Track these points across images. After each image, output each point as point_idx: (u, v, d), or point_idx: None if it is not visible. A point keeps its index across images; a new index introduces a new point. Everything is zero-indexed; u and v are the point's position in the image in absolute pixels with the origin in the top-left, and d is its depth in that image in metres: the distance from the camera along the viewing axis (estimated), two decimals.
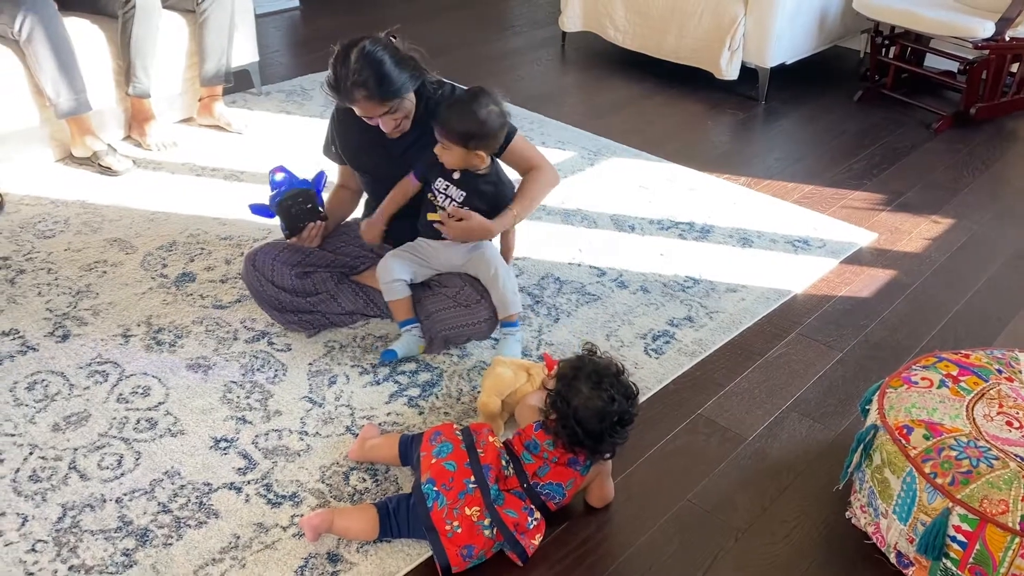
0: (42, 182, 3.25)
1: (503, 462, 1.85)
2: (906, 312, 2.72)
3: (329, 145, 2.52)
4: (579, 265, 2.89)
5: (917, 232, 3.17)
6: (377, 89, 2.14)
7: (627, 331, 2.57)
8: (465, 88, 2.31)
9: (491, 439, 1.88)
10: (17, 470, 2.02)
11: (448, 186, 2.29)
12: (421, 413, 2.23)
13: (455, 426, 1.93)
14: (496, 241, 2.45)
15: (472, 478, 1.79)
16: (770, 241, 3.07)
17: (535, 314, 2.63)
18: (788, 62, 4.30)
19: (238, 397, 2.26)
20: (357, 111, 2.22)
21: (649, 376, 2.39)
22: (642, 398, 2.28)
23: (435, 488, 1.78)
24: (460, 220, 2.26)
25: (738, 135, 3.98)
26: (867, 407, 2.03)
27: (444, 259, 2.40)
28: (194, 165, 3.43)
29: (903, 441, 1.79)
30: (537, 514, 1.83)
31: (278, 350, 2.44)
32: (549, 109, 4.05)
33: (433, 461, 1.83)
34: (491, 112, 2.20)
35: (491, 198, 2.31)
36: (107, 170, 3.32)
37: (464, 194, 2.28)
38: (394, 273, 2.39)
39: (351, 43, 2.17)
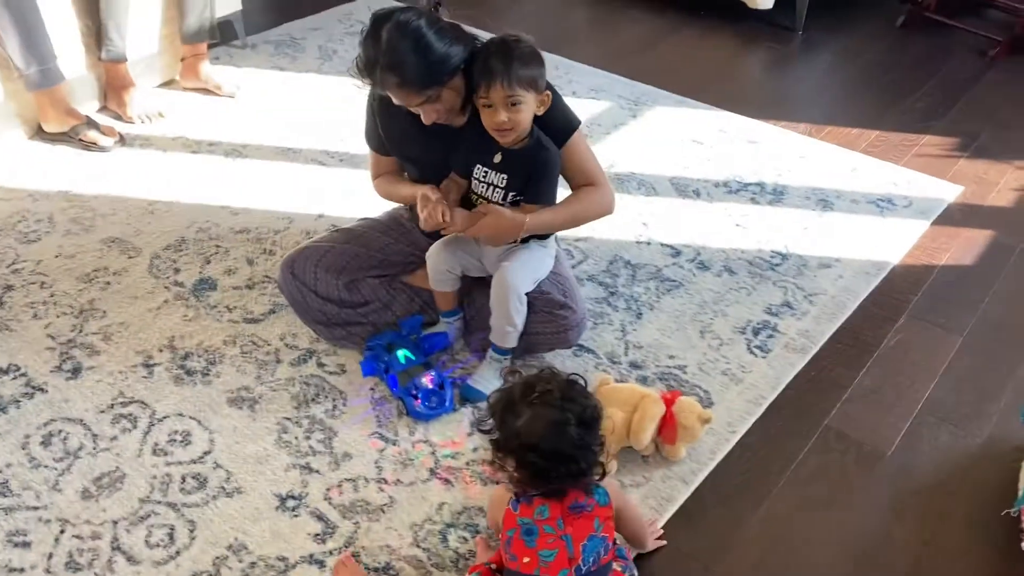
0: (15, 170, 2.79)
1: None
2: (1015, 281, 2.45)
3: (369, 130, 2.10)
4: (648, 243, 2.56)
5: (1004, 183, 2.89)
6: (414, 75, 1.74)
7: (722, 325, 2.27)
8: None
9: None
10: (50, 555, 1.67)
11: (487, 172, 1.91)
12: None
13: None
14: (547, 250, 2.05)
15: None
16: (851, 202, 2.76)
17: (613, 309, 2.31)
18: None
19: (296, 438, 1.92)
20: (393, 99, 1.83)
21: (761, 381, 2.10)
22: (758, 409, 2.01)
23: None
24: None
25: (782, 73, 3.63)
26: None
27: (492, 259, 2.04)
28: (187, 139, 2.99)
29: None
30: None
31: (330, 372, 2.09)
32: (568, 50, 3.63)
33: None
34: (527, 42, 1.81)
35: (539, 166, 1.88)
36: (91, 146, 2.88)
37: (506, 176, 1.90)
38: (444, 263, 2.05)
39: (384, 15, 1.75)
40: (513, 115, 1.79)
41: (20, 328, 2.19)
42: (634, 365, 2.13)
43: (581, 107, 3.03)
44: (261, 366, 2.10)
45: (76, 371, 2.07)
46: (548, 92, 1.84)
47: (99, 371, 2.07)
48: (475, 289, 2.13)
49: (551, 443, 1.39)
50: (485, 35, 1.87)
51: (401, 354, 2.01)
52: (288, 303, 2.16)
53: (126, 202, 2.66)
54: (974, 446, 1.97)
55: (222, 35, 3.42)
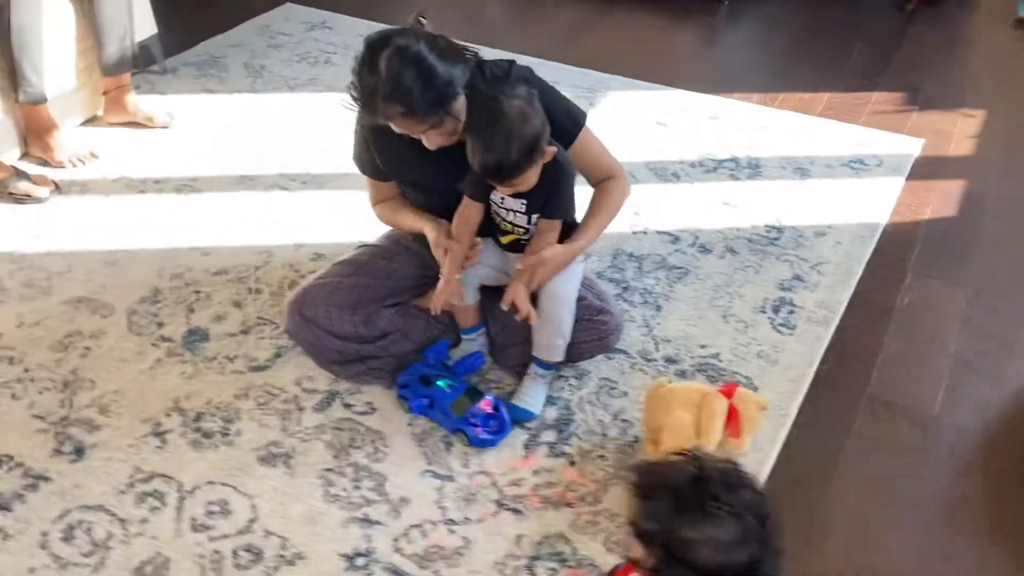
0: None
1: None
2: (1000, 224, 2.54)
3: (362, 156, 1.94)
4: (645, 233, 2.52)
5: (958, 131, 2.99)
6: (419, 103, 1.60)
7: (741, 307, 2.25)
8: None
9: None
10: None
11: (503, 199, 1.82)
12: (574, 463, 1.84)
13: None
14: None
15: None
16: (826, 167, 2.79)
17: (631, 304, 2.25)
18: None
19: (345, 490, 1.79)
20: (395, 128, 1.70)
21: (795, 359, 2.09)
22: (800, 387, 2.01)
23: None
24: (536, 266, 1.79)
25: (718, 44, 3.65)
26: None
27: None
28: (130, 179, 2.76)
29: None
30: None
31: (360, 413, 1.96)
32: (491, 41, 3.52)
33: None
34: (522, 107, 1.65)
35: (555, 182, 1.78)
36: (25, 199, 2.62)
37: (524, 201, 1.81)
38: (469, 280, 1.95)
39: (379, 41, 1.61)
40: (521, 188, 1.73)
41: (1, 415, 1.96)
42: (669, 360, 2.09)
43: None
44: (284, 416, 1.95)
45: (79, 451, 1.87)
46: (552, 147, 1.71)
47: (105, 447, 1.88)
48: (496, 303, 2.02)
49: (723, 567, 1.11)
50: (482, 49, 1.77)
51: (444, 384, 1.90)
52: (300, 348, 2.01)
53: (80, 256, 2.43)
54: (1010, 395, 2.01)
55: (140, 62, 3.17)
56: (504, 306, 1.81)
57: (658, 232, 2.51)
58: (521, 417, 1.92)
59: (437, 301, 1.88)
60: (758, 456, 1.85)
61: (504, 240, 1.90)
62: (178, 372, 2.06)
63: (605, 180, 1.93)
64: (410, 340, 2.04)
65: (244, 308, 2.25)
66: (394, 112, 1.63)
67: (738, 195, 2.67)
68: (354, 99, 1.66)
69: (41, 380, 2.04)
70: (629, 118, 3.06)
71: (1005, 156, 2.84)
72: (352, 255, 2.11)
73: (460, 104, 1.70)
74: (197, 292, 2.30)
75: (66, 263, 2.40)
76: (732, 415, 1.79)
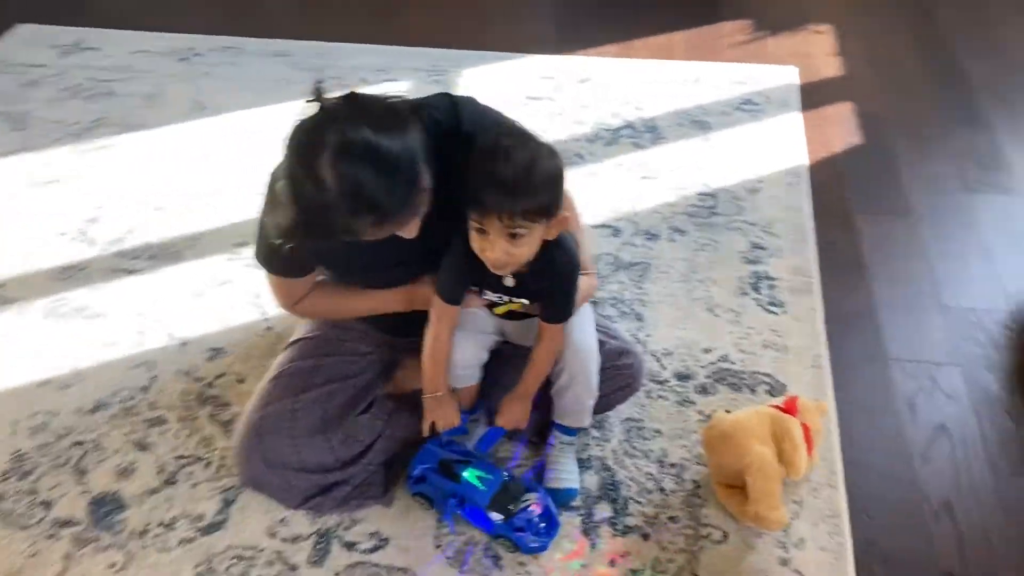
0: None
1: None
2: (906, 141, 2.52)
3: (288, 257, 1.42)
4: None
5: (819, 51, 2.95)
6: (392, 203, 1.20)
7: (720, 293, 2.05)
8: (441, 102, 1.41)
9: None
10: None
11: (501, 296, 1.49)
12: (647, 537, 1.57)
13: None
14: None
15: None
16: (721, 115, 2.64)
17: (610, 321, 1.97)
18: None
19: None
20: (361, 238, 1.25)
21: (802, 341, 1.93)
22: (823, 372, 1.87)
23: None
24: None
25: None
26: None
27: (521, 327, 1.63)
28: None
29: None
30: None
31: (370, 551, 1.56)
32: (297, 29, 3.06)
33: None
34: (538, 144, 1.32)
35: (561, 275, 1.46)
36: None
37: (526, 300, 1.49)
38: (467, 359, 1.60)
39: (307, 144, 1.16)
40: (513, 249, 1.32)
41: None
42: (682, 377, 1.85)
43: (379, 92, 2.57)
44: None
45: None
46: (566, 213, 1.37)
47: None
48: (497, 371, 1.67)
49: None
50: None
51: (472, 476, 1.54)
52: (267, 496, 1.58)
53: None
54: (1006, 322, 1.98)
55: None
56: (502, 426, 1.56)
57: (593, 227, 2.24)
58: (565, 500, 1.62)
59: (427, 424, 1.56)
60: (825, 465, 1.67)
61: (499, 311, 1.55)
62: (104, 566, 1.54)
63: None
64: (397, 440, 1.66)
65: (153, 449, 1.73)
66: (363, 225, 1.20)
67: (651, 164, 2.45)
68: (301, 224, 1.20)
69: None
70: (496, 97, 2.70)
71: (872, 70, 2.83)
72: (288, 367, 1.64)
73: (424, 172, 1.27)
74: (79, 444, 1.75)
75: None
76: (806, 432, 1.60)
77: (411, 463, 1.59)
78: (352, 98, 1.21)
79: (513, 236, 1.30)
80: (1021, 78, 2.78)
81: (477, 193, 1.28)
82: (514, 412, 1.59)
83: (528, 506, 1.52)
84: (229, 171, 2.43)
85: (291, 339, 1.72)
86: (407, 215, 1.25)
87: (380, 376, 1.70)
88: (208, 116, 2.67)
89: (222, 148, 2.52)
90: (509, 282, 1.45)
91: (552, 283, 1.45)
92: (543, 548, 1.54)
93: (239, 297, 2.05)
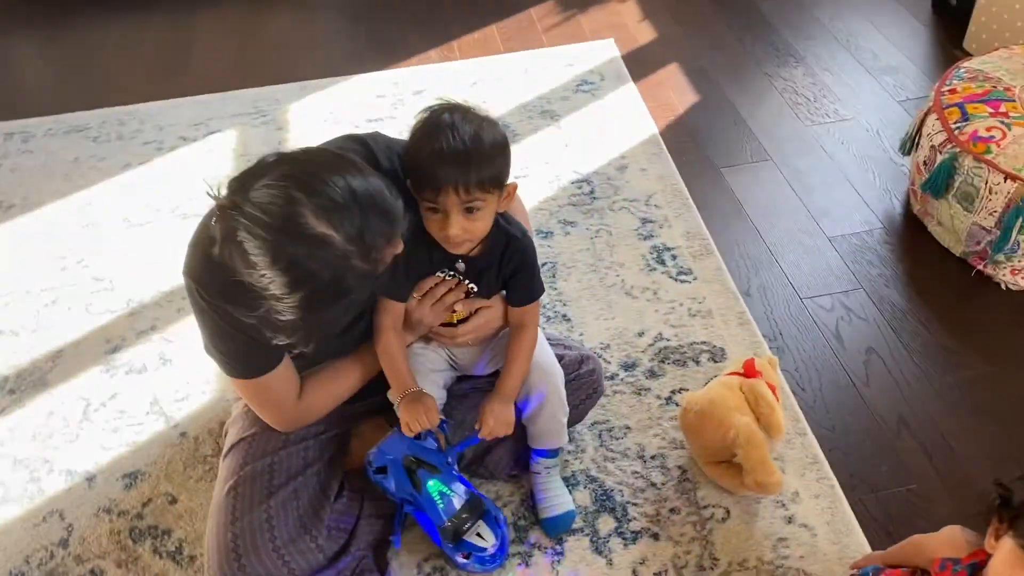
0: None
1: None
2: (738, 92, 2.64)
3: (249, 353, 1.33)
4: None
5: (628, 20, 3.03)
6: (395, 205, 1.17)
7: (630, 274, 2.07)
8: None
9: None
10: None
11: (454, 275, 1.44)
12: (657, 537, 1.56)
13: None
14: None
15: None
16: (563, 100, 2.65)
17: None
18: None
19: None
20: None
21: (723, 302, 1.98)
22: (752, 327, 1.94)
23: None
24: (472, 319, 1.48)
25: (319, 20, 3.22)
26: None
27: (469, 355, 1.57)
28: None
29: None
30: None
31: None
32: (72, 102, 2.76)
33: None
34: (478, 116, 1.33)
35: (515, 258, 1.44)
36: None
37: (476, 287, 1.45)
38: (438, 359, 1.55)
39: (288, 214, 1.07)
40: (469, 224, 1.30)
41: None
42: (627, 367, 1.85)
43: (200, 152, 2.43)
44: None
45: None
46: (514, 181, 1.37)
47: None
48: (458, 409, 1.59)
49: None
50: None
51: (435, 490, 1.45)
52: None
53: None
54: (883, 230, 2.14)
55: None
56: (486, 436, 1.46)
57: None
58: (567, 524, 1.57)
59: (405, 427, 1.43)
60: (788, 414, 1.73)
61: (456, 318, 1.48)
62: None
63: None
64: (380, 516, 1.54)
65: (110, 561, 1.51)
66: (381, 246, 1.15)
67: (518, 162, 2.35)
68: (313, 298, 1.10)
69: None
70: (336, 125, 2.59)
71: (682, 29, 2.95)
72: (242, 467, 1.46)
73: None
74: (29, 559, 1.49)
75: None
76: (772, 390, 1.64)
77: (376, 451, 1.45)
78: (281, 159, 1.13)
79: (469, 211, 1.29)
80: (813, 12, 2.98)
81: (429, 171, 1.26)
82: (497, 415, 1.45)
83: (478, 532, 1.46)
84: (66, 271, 2.15)
85: (228, 444, 1.54)
86: (404, 220, 1.20)
87: (340, 451, 1.57)
88: (17, 215, 2.35)
89: (43, 248, 2.23)
90: (460, 266, 1.41)
91: (513, 262, 1.42)
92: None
93: (134, 409, 1.82)
